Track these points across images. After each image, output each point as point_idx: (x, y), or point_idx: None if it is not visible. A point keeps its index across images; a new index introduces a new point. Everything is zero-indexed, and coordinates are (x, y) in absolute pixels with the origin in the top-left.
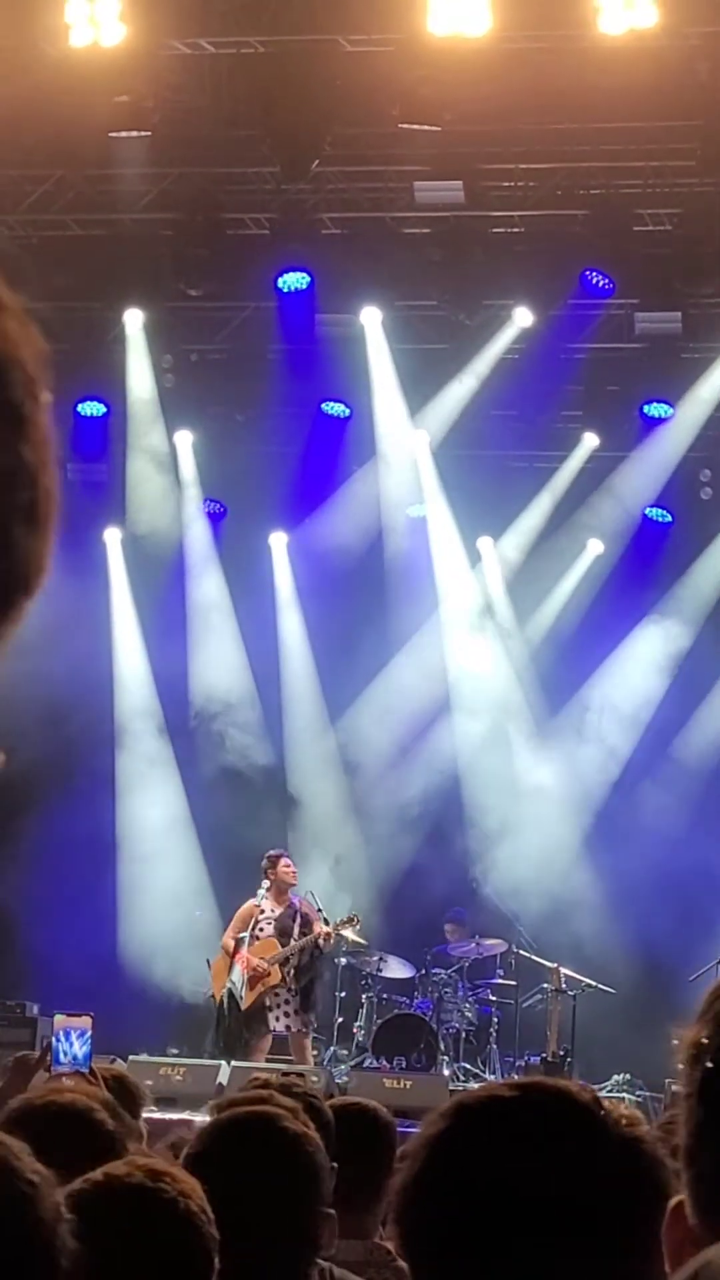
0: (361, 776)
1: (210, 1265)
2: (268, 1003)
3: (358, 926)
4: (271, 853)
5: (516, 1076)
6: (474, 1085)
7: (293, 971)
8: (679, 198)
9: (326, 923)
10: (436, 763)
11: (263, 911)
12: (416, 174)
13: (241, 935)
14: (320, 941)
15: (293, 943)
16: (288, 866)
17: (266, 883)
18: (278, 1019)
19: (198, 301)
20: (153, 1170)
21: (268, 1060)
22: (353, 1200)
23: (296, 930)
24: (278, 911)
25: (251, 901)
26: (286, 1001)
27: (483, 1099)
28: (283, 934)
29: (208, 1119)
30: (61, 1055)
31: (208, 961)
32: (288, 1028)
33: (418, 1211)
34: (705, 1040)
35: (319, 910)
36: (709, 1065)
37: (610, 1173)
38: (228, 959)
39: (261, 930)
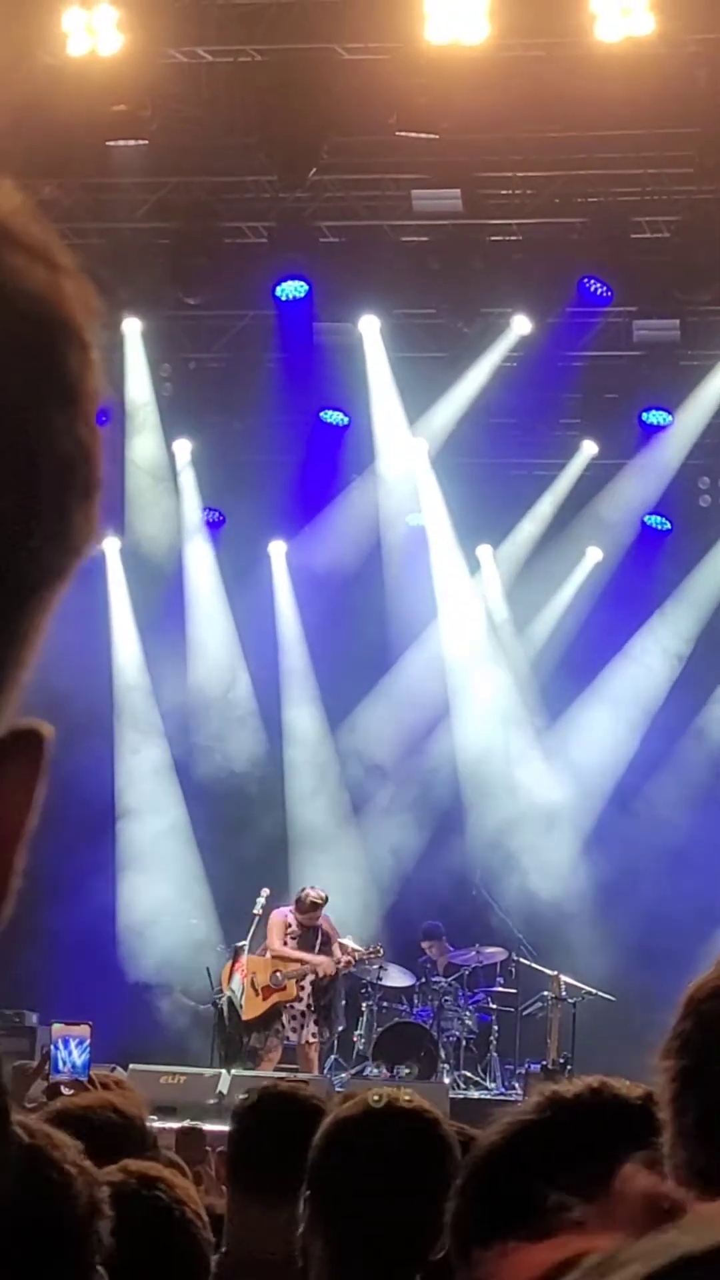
0: (361, 784)
1: (206, 1270)
2: (282, 1016)
3: (380, 956)
4: (318, 897)
5: (518, 1085)
6: (474, 1093)
7: (311, 989)
8: (677, 205)
9: (343, 948)
10: (436, 771)
11: (289, 926)
12: (414, 182)
13: (243, 943)
14: (340, 966)
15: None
16: (315, 914)
17: (294, 906)
18: (294, 1031)
19: (196, 310)
20: (146, 1177)
21: (278, 1068)
22: None
23: (318, 947)
24: (303, 929)
25: (281, 911)
26: (301, 1015)
27: (617, 1093)
28: (303, 948)
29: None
30: (60, 1063)
31: (208, 970)
32: (307, 1040)
33: (496, 1174)
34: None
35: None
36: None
37: None
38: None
39: (285, 944)
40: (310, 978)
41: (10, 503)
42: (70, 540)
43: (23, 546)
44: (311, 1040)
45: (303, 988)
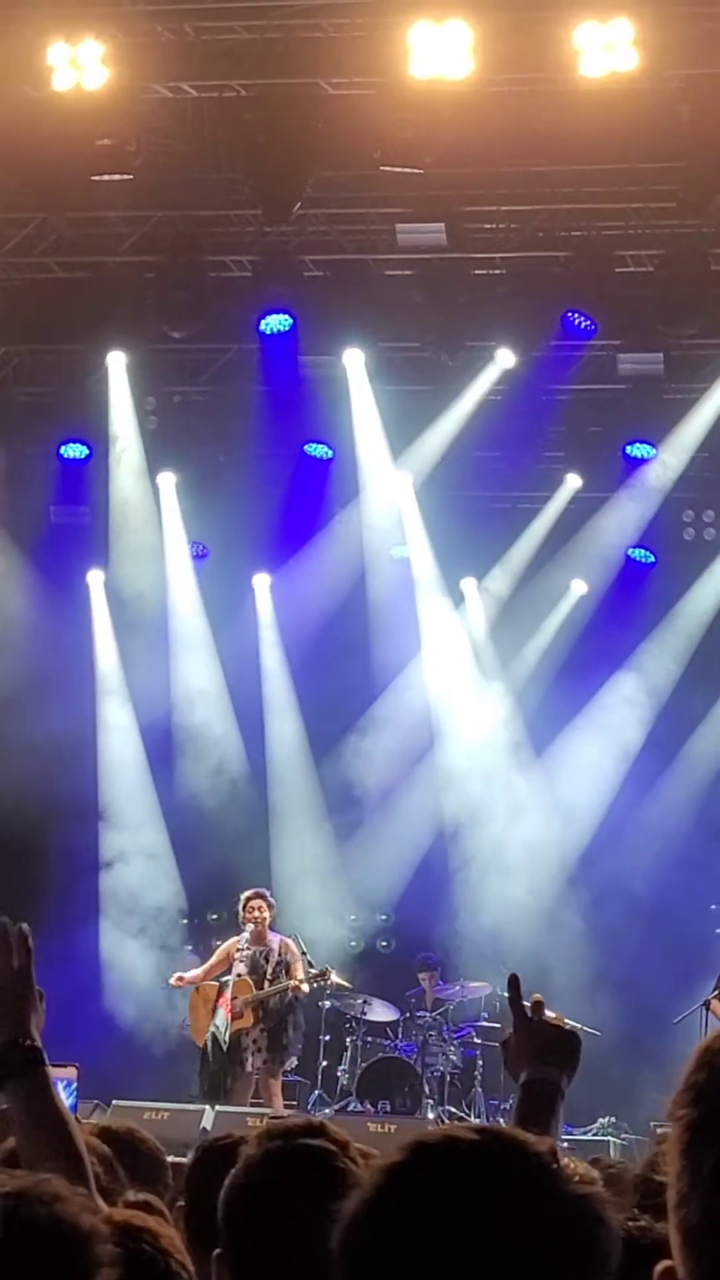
0: (346, 818)
1: None
2: (242, 1044)
3: (327, 977)
4: (243, 894)
5: (502, 1120)
6: None
7: (263, 1013)
8: (660, 239)
9: (312, 965)
10: (421, 804)
11: (239, 949)
12: (398, 216)
13: (227, 978)
14: (300, 988)
15: (266, 985)
16: (252, 909)
17: (250, 924)
18: (249, 1059)
19: (180, 343)
20: (130, 1226)
21: (252, 1103)
22: None
23: (270, 969)
24: (252, 950)
25: (233, 939)
26: (255, 1041)
27: (441, 1139)
28: (254, 971)
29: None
30: None
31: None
32: (256, 1068)
33: (362, 1242)
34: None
35: (304, 953)
36: (694, 1116)
37: (556, 1225)
38: (204, 997)
39: (236, 967)
40: (266, 1004)
41: None
42: None
43: None
44: (265, 1068)
45: (259, 1013)
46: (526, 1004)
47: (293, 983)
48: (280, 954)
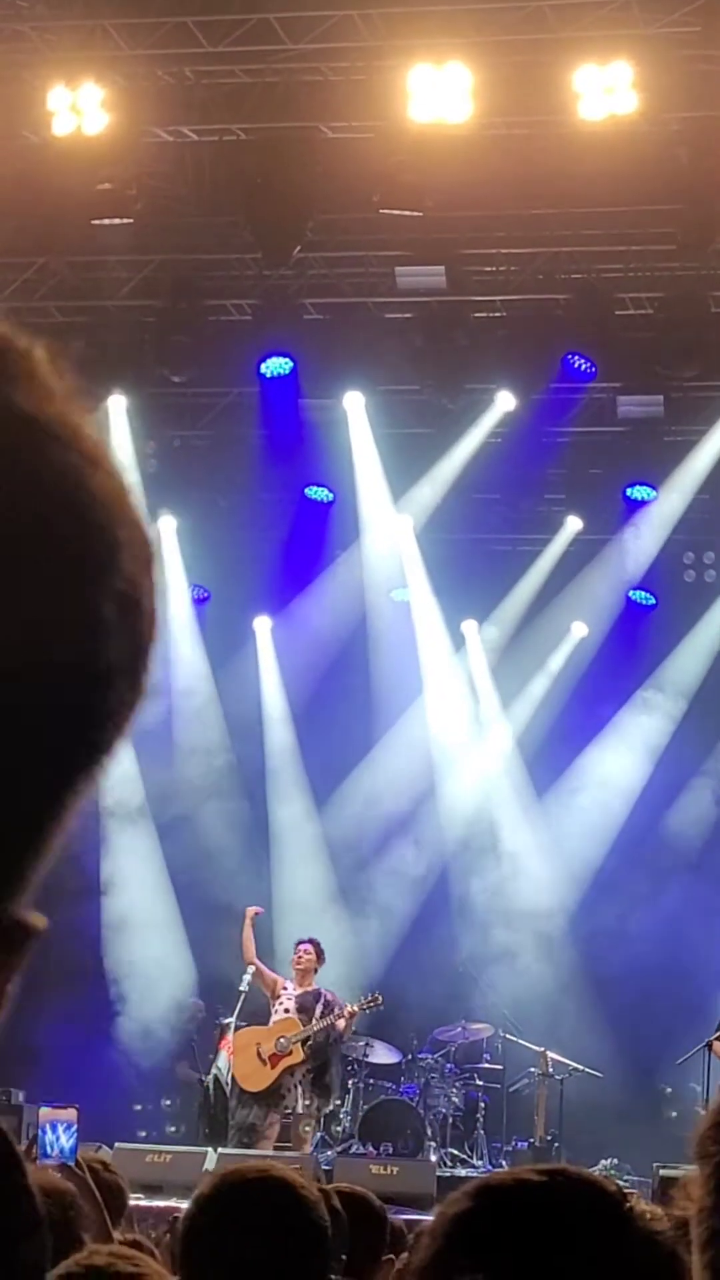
0: (347, 861)
1: None
2: (284, 1084)
3: (379, 1004)
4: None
5: (505, 1163)
6: (461, 1171)
7: (311, 1050)
8: (660, 282)
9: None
10: (423, 846)
11: (285, 989)
12: (398, 259)
13: (229, 1020)
14: (342, 1025)
15: (314, 1022)
16: (301, 954)
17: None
18: (295, 1100)
19: (181, 387)
20: (117, 1257)
21: (277, 1146)
22: None
23: (319, 1010)
24: (299, 991)
25: (280, 977)
26: (300, 1083)
27: (509, 1181)
28: (303, 1011)
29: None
30: (48, 1148)
31: (192, 1044)
32: (301, 1108)
33: None
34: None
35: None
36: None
37: (632, 1266)
38: (242, 1042)
39: (284, 1007)
40: (311, 1041)
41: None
42: (142, 690)
43: (132, 698)
44: (300, 1111)
45: (307, 1049)
46: None
47: (350, 1008)
48: (328, 998)
